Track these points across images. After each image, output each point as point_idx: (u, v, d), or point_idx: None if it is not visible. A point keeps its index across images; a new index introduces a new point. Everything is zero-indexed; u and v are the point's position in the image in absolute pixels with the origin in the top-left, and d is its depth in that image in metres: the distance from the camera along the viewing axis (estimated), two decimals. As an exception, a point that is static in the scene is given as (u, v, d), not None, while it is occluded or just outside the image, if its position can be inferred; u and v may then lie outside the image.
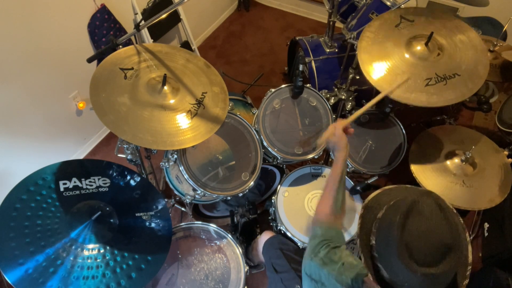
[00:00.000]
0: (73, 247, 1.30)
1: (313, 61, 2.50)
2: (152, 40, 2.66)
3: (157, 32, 2.74)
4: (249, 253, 2.02)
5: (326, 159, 2.32)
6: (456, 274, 0.88)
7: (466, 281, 0.87)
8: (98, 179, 1.51)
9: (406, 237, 0.80)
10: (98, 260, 1.32)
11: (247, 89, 2.85)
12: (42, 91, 2.14)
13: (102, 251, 1.34)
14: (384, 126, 2.01)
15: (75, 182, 1.46)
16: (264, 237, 1.75)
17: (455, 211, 0.86)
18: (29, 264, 1.22)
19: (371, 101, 1.45)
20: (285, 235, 1.76)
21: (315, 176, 1.95)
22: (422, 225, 0.80)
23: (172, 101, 1.48)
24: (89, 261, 1.30)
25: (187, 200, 1.78)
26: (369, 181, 1.80)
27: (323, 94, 1.97)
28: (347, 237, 1.74)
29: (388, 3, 1.94)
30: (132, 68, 1.48)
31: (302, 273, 1.15)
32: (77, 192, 1.45)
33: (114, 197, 1.50)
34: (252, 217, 2.04)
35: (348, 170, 1.98)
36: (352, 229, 1.76)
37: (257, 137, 1.81)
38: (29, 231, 1.28)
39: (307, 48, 2.55)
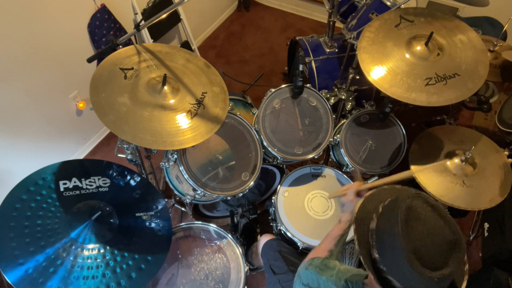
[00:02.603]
0: (73, 247, 1.30)
1: (313, 61, 2.50)
2: (152, 40, 2.66)
3: (157, 32, 2.74)
4: (249, 256, 2.01)
5: (326, 159, 2.32)
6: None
7: (466, 276, 0.88)
8: (98, 179, 1.51)
9: (412, 244, 0.80)
10: (98, 260, 1.32)
11: (247, 89, 2.85)
12: (42, 91, 2.14)
13: (102, 251, 1.34)
14: (384, 126, 2.00)
15: (75, 182, 1.46)
16: (263, 240, 1.75)
17: (441, 205, 0.87)
18: (29, 264, 1.22)
19: (399, 174, 1.39)
20: (285, 235, 1.76)
21: (315, 176, 1.95)
22: (423, 230, 0.81)
23: (172, 101, 1.48)
24: (89, 261, 1.30)
25: (187, 200, 1.78)
26: (369, 181, 1.80)
27: (323, 94, 1.97)
28: (347, 237, 1.74)
29: (388, 3, 1.94)
30: (132, 68, 1.48)
31: (296, 286, 1.14)
32: (77, 192, 1.45)
33: (114, 197, 1.50)
34: (252, 217, 2.04)
35: (348, 170, 1.98)
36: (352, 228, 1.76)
37: (257, 137, 1.81)
38: (29, 231, 1.28)
39: (307, 48, 2.54)
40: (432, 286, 0.80)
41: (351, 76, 2.20)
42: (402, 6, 1.88)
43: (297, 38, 2.70)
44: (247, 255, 2.02)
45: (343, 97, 2.32)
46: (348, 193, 1.31)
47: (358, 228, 0.96)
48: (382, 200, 0.89)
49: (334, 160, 2.11)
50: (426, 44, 1.67)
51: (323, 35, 2.63)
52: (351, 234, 1.73)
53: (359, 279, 1.00)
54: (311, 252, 1.27)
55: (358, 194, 1.33)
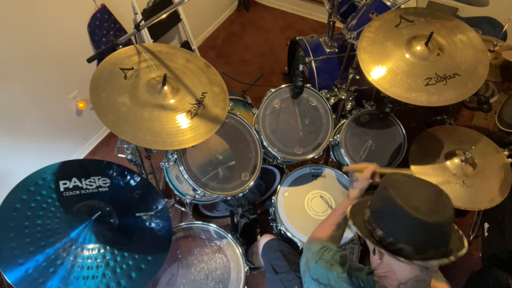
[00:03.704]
0: (73, 247, 1.30)
1: (313, 61, 2.50)
2: (152, 40, 2.66)
3: (157, 32, 2.74)
4: (249, 256, 2.01)
5: (326, 159, 2.32)
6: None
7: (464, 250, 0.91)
8: (98, 179, 1.51)
9: (402, 191, 0.89)
10: (98, 260, 1.32)
11: (247, 89, 2.85)
12: (42, 91, 2.14)
13: (102, 251, 1.34)
14: (384, 126, 2.00)
15: (75, 182, 1.46)
16: (263, 240, 1.75)
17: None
18: (29, 264, 1.22)
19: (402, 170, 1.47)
20: (285, 235, 1.76)
21: (315, 176, 1.95)
22: (416, 185, 0.92)
23: (172, 101, 1.48)
24: (89, 261, 1.30)
25: (187, 200, 1.78)
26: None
27: (323, 94, 1.97)
28: (347, 236, 1.74)
29: (388, 3, 1.94)
30: (132, 68, 1.48)
31: (305, 278, 1.14)
32: (77, 192, 1.45)
33: (114, 197, 1.50)
34: (252, 217, 2.04)
35: (348, 170, 1.98)
36: (353, 227, 1.76)
37: (257, 137, 1.81)
38: (29, 231, 1.28)
39: (307, 48, 2.54)
40: (415, 231, 0.86)
41: (351, 76, 2.20)
42: (402, 6, 1.88)
43: (297, 38, 2.70)
44: (247, 254, 2.02)
45: (343, 97, 2.32)
46: (365, 171, 1.33)
47: (354, 219, 1.03)
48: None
49: (334, 160, 2.11)
50: (426, 44, 1.67)
51: (323, 35, 2.63)
52: (351, 233, 1.75)
53: (370, 276, 1.01)
54: (319, 224, 1.29)
55: (371, 176, 1.35)
